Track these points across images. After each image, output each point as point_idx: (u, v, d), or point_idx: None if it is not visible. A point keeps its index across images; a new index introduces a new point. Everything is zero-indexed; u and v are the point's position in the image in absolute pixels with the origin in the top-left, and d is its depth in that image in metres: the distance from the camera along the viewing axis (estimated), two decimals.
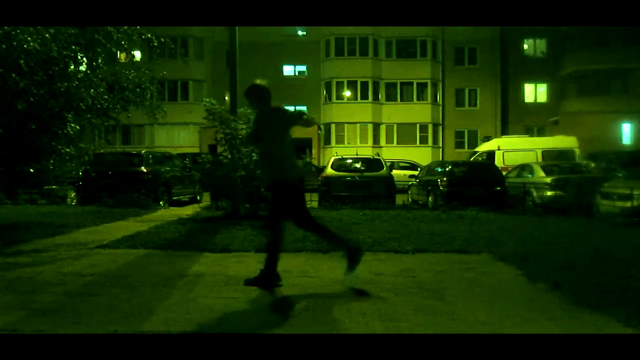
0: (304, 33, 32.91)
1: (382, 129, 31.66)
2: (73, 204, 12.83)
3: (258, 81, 4.86)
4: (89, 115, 8.40)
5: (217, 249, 6.23)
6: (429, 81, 31.80)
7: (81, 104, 8.03)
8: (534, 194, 12.13)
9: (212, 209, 10.82)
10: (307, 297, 4.18)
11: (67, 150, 8.39)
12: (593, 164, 15.22)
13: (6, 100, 7.43)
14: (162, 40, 9.29)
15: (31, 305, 3.95)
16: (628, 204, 9.36)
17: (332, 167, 13.95)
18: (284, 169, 4.51)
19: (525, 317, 3.68)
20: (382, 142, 31.31)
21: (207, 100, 10.16)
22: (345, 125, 31.14)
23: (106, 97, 8.40)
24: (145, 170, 12.69)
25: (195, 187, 15.15)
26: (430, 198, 13.47)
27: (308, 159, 17.13)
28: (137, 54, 16.76)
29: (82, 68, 8.37)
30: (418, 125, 31.55)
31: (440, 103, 32.28)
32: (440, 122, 32.19)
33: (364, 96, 31.25)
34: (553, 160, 16.63)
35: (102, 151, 12.78)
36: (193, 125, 29.87)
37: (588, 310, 3.77)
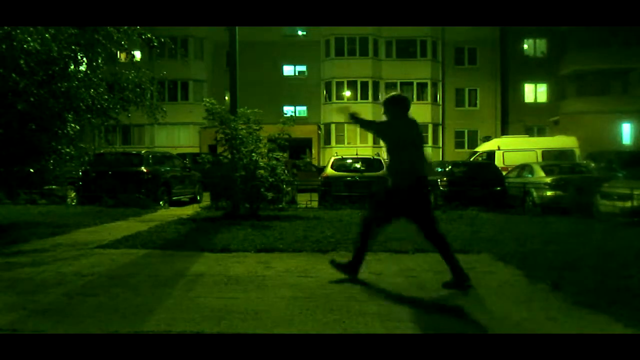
0: (304, 33, 32.88)
1: None
2: (73, 204, 12.82)
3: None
4: (89, 115, 8.39)
5: (217, 249, 6.23)
6: (429, 81, 31.78)
7: (81, 104, 8.02)
8: (534, 194, 12.12)
9: (212, 209, 10.81)
10: (307, 297, 4.18)
11: (67, 150, 8.38)
12: (593, 164, 15.22)
13: (6, 100, 7.43)
14: (162, 40, 9.28)
15: (31, 305, 3.95)
16: (628, 204, 9.35)
17: (332, 167, 13.94)
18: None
19: (525, 317, 3.68)
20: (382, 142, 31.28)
21: (207, 100, 10.16)
22: (346, 125, 31.03)
23: (106, 97, 8.38)
24: (145, 170, 12.69)
25: (195, 187, 15.15)
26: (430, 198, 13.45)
27: (308, 159, 17.15)
28: (137, 54, 16.78)
29: (82, 68, 8.35)
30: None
31: (440, 103, 32.26)
32: (440, 122, 32.17)
33: (364, 96, 31.23)
34: (553, 160, 16.62)
35: (102, 151, 12.77)
36: (193, 125, 29.87)
37: (588, 310, 3.77)
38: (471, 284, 4.43)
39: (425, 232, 4.63)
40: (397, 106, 4.77)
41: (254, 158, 9.74)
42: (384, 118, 4.85)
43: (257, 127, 10.02)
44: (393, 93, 5.04)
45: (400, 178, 4.61)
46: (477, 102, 32.44)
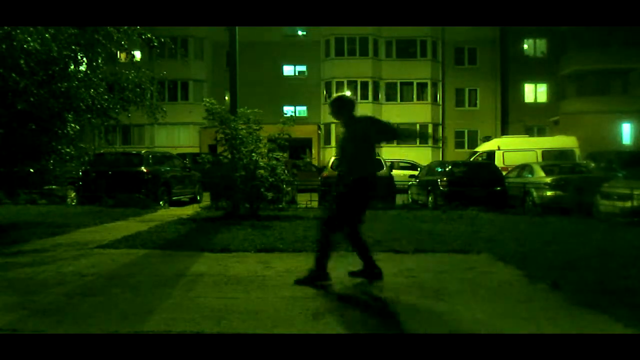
0: (304, 33, 32.90)
1: None
2: (73, 204, 12.83)
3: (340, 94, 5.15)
4: (89, 115, 8.40)
5: (217, 249, 6.23)
6: (429, 81, 31.79)
7: (81, 104, 8.03)
8: (534, 194, 12.12)
9: (212, 209, 10.81)
10: (307, 297, 4.18)
11: (67, 150, 8.38)
12: (593, 164, 15.22)
13: (6, 100, 7.43)
14: (162, 40, 9.28)
15: (31, 305, 3.95)
16: (628, 204, 9.35)
17: (332, 167, 13.95)
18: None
19: (525, 317, 3.68)
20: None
21: (207, 100, 10.16)
22: None
23: (106, 97, 8.39)
24: (145, 170, 12.69)
25: (195, 187, 15.15)
26: (430, 198, 13.47)
27: (308, 159, 17.15)
28: (137, 54, 16.76)
29: (82, 68, 8.35)
30: (418, 126, 31.45)
31: (440, 103, 32.27)
32: (440, 122, 32.18)
33: (364, 96, 31.21)
34: (553, 160, 16.62)
35: (102, 151, 12.78)
36: (193, 125, 29.88)
37: (588, 310, 3.77)
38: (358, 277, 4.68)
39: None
40: (353, 106, 4.82)
41: (254, 158, 9.74)
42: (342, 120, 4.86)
43: (257, 127, 10.02)
44: (341, 94, 5.11)
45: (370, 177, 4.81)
46: (477, 102, 32.46)
